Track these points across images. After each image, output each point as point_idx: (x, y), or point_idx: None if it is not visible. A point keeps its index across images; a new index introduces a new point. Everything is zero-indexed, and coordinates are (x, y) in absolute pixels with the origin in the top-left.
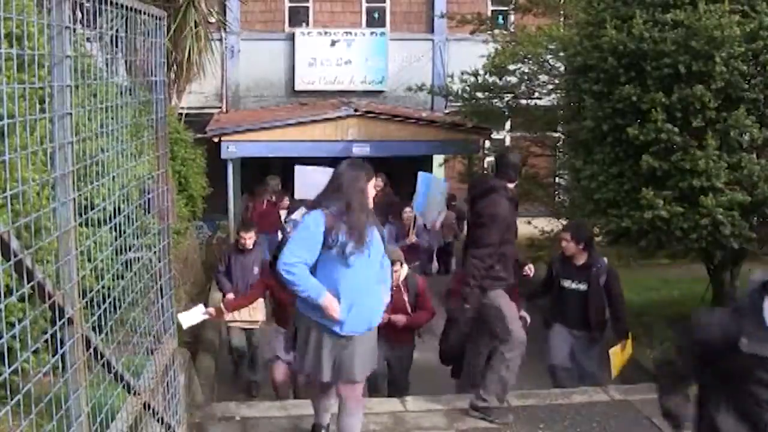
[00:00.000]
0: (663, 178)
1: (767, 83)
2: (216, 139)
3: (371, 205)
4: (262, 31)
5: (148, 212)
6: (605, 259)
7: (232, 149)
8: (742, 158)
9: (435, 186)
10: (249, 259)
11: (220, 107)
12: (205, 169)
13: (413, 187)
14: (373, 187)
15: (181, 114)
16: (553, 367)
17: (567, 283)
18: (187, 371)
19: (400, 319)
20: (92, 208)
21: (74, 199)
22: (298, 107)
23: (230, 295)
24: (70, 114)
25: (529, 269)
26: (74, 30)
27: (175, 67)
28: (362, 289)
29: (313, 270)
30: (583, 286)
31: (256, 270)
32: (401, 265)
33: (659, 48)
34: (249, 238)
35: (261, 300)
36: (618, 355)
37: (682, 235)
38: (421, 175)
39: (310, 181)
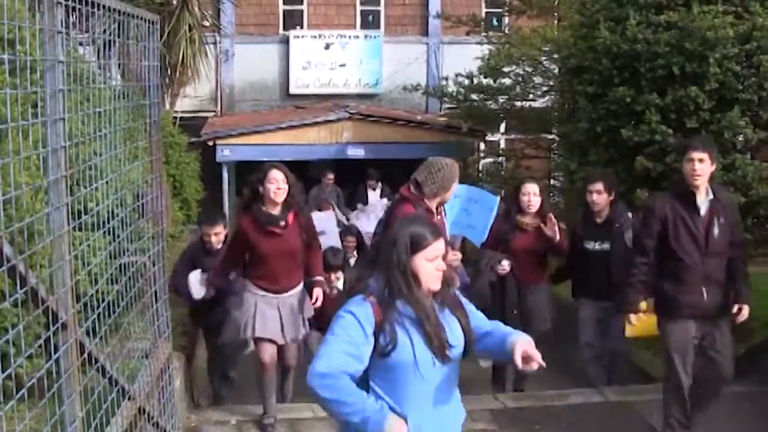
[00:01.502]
0: (657, 179)
1: (761, 84)
2: (210, 143)
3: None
4: (257, 35)
5: (143, 216)
6: (630, 214)
7: (226, 153)
8: (736, 159)
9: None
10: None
11: (215, 111)
12: (199, 173)
13: None
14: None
15: (175, 118)
16: (581, 343)
17: (590, 245)
18: (183, 375)
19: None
20: (86, 213)
21: (68, 203)
22: (292, 110)
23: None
24: (64, 118)
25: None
26: (67, 34)
27: (169, 70)
28: (438, 399)
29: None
30: (606, 246)
31: (232, 275)
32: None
33: (653, 49)
34: (215, 234)
35: None
36: (641, 321)
37: None
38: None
39: None
